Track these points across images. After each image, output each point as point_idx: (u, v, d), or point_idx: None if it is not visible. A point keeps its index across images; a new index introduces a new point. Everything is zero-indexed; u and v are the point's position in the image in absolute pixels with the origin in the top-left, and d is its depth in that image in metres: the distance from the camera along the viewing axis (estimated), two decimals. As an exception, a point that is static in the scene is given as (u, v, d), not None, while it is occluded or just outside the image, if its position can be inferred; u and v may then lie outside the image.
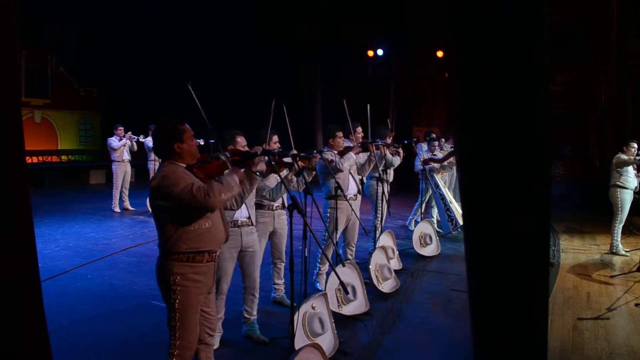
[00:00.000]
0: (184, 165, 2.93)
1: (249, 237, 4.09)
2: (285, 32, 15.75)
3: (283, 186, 4.26)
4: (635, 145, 7.06)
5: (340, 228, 5.50)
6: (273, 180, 4.47)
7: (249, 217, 4.08)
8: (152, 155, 10.42)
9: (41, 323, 2.68)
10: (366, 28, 15.34)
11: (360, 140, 6.12)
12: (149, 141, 10.36)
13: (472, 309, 1.79)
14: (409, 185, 9.26)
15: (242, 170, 3.05)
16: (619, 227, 7.25)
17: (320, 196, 5.48)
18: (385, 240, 6.24)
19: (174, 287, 2.79)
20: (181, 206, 2.76)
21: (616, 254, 7.34)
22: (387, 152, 6.25)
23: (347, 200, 5.23)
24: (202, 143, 10.85)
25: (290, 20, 15.52)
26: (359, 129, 6.17)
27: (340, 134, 5.52)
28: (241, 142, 4.06)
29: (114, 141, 10.42)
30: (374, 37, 15.69)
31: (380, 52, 15.74)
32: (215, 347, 4.06)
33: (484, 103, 1.56)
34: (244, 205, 3.97)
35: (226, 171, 3.13)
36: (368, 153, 5.86)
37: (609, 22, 12.44)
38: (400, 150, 6.82)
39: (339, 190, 5.01)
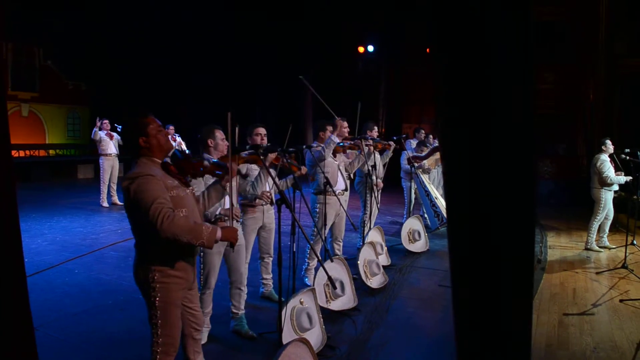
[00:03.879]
0: (159, 162, 2.82)
1: None
2: (276, 29, 15.71)
3: (262, 178, 4.27)
4: (609, 142, 7.18)
5: (329, 223, 5.52)
6: (253, 174, 4.48)
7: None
8: None
9: (26, 318, 2.66)
10: (357, 24, 15.34)
11: (346, 134, 6.16)
12: None
13: (455, 305, 1.80)
14: (399, 182, 9.33)
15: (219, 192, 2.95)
16: (596, 225, 7.39)
17: (309, 192, 5.51)
18: (374, 236, 6.26)
19: (154, 284, 2.72)
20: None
21: (591, 249, 7.47)
22: (372, 149, 6.29)
23: (335, 195, 5.25)
24: (199, 137, 10.89)
25: (282, 16, 15.47)
26: (345, 124, 6.20)
27: (330, 127, 5.54)
28: (219, 135, 4.08)
29: (97, 134, 10.38)
30: (365, 34, 15.70)
31: (370, 48, 15.74)
32: (203, 342, 4.07)
33: (468, 98, 1.57)
34: (227, 200, 3.99)
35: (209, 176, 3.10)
36: (359, 151, 5.90)
37: (597, 24, 12.54)
38: (391, 142, 6.86)
39: (327, 186, 5.03)
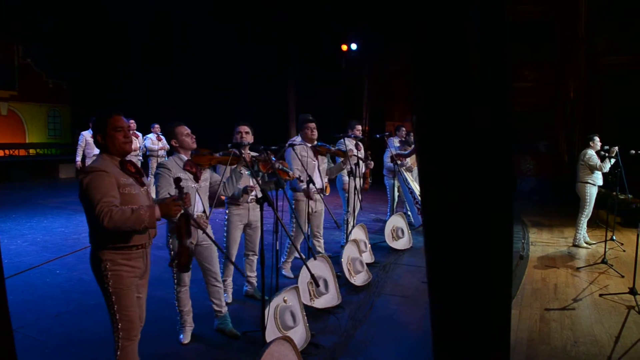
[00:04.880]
0: (119, 159, 2.95)
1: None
2: (259, 26, 15.66)
3: (235, 180, 4.26)
4: (597, 139, 7.28)
5: (304, 219, 5.54)
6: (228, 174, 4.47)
7: (204, 211, 4.07)
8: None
9: (5, 320, 2.62)
10: (341, 22, 15.34)
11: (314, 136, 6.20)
12: None
13: (432, 304, 1.80)
14: (383, 180, 9.39)
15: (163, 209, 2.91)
16: (584, 221, 7.47)
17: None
18: (358, 233, 6.28)
19: (106, 272, 2.86)
20: None
21: (579, 246, 7.56)
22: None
23: (309, 192, 5.25)
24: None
25: (267, 14, 15.42)
26: (313, 125, 6.21)
27: (312, 125, 5.55)
28: (182, 131, 4.01)
29: (85, 137, 10.21)
30: (348, 32, 15.71)
31: (354, 46, 15.75)
32: (186, 342, 4.05)
33: (444, 97, 1.57)
34: (199, 199, 4.00)
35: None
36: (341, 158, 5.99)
37: (577, 22, 12.71)
38: (370, 162, 6.91)
39: (309, 184, 5.05)
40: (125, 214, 2.72)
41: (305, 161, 5.42)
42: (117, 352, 2.97)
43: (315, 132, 5.59)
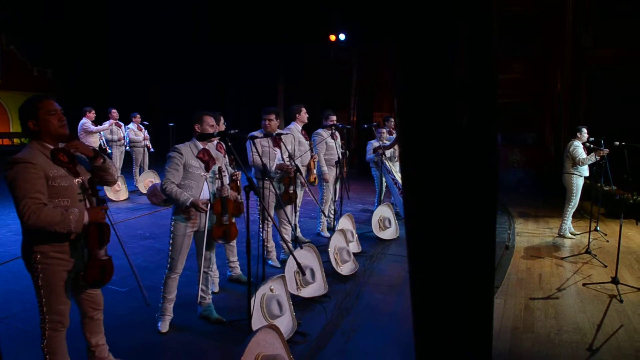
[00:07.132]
0: (50, 147, 2.81)
1: (204, 216, 4.07)
2: (246, 18, 15.55)
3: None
4: (585, 130, 7.31)
5: (272, 206, 5.53)
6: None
7: (209, 200, 4.07)
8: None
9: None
10: (329, 12, 15.27)
11: (306, 121, 6.23)
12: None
13: (413, 292, 1.80)
14: (370, 171, 9.40)
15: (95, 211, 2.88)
16: (570, 212, 7.53)
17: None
18: (345, 223, 6.29)
19: (36, 265, 2.77)
20: None
21: (563, 236, 7.65)
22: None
23: (270, 180, 5.24)
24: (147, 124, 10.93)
25: (254, 4, 15.30)
26: (304, 110, 6.22)
27: (270, 116, 5.51)
28: (209, 121, 4.08)
29: (88, 125, 10.01)
30: (337, 22, 15.65)
31: (342, 36, 15.69)
32: (164, 331, 4.02)
33: (427, 91, 1.57)
34: (206, 187, 4.03)
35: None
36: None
37: (564, 16, 12.78)
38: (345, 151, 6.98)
39: (264, 172, 5.06)
40: (54, 217, 2.64)
41: (267, 151, 5.47)
42: (43, 341, 2.90)
43: (272, 123, 5.57)
